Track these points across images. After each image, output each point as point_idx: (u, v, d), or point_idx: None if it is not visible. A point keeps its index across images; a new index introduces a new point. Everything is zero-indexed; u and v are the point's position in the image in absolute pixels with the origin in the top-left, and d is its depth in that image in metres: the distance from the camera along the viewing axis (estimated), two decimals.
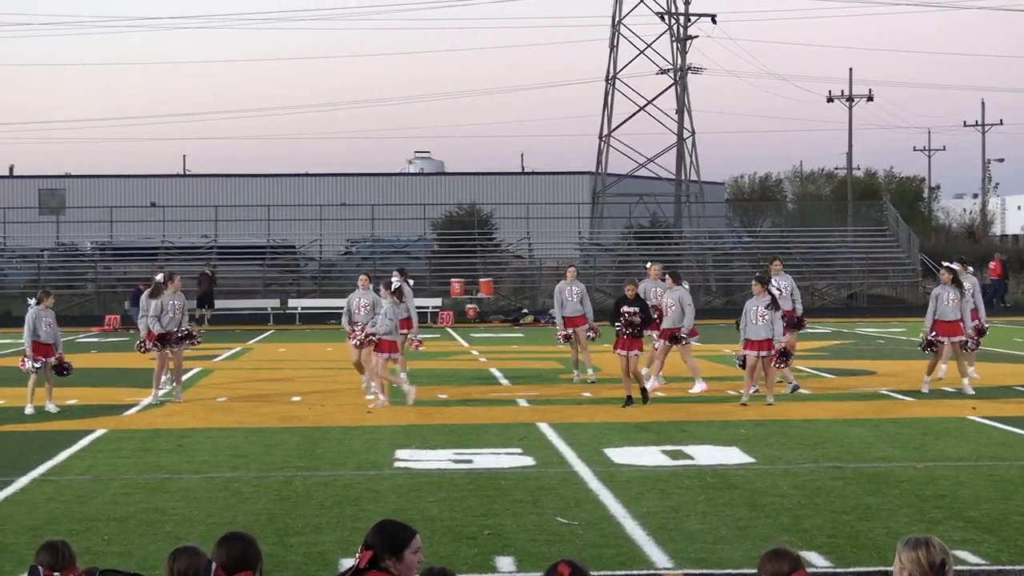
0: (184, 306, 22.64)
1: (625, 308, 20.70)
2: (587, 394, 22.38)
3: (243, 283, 59.05)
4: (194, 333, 22.86)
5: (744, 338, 21.09)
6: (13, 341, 39.94)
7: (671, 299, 22.67)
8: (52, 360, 21.00)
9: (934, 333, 22.57)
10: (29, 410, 20.50)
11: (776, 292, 21.79)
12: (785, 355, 21.63)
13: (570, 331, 24.35)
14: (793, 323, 23.49)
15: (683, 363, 23.25)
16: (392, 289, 21.57)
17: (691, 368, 22.86)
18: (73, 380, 22.28)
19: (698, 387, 22.47)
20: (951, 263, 23.64)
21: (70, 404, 21.69)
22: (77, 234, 64.86)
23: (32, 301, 21.26)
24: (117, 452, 16.51)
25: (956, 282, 22.73)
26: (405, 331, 22.41)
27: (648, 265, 25.64)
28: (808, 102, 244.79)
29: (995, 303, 53.13)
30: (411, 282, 23.50)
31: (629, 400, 20.51)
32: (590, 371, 24.55)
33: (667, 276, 23.43)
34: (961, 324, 22.50)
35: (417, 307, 24.04)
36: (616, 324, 20.65)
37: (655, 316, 22.09)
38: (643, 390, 20.84)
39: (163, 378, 22.46)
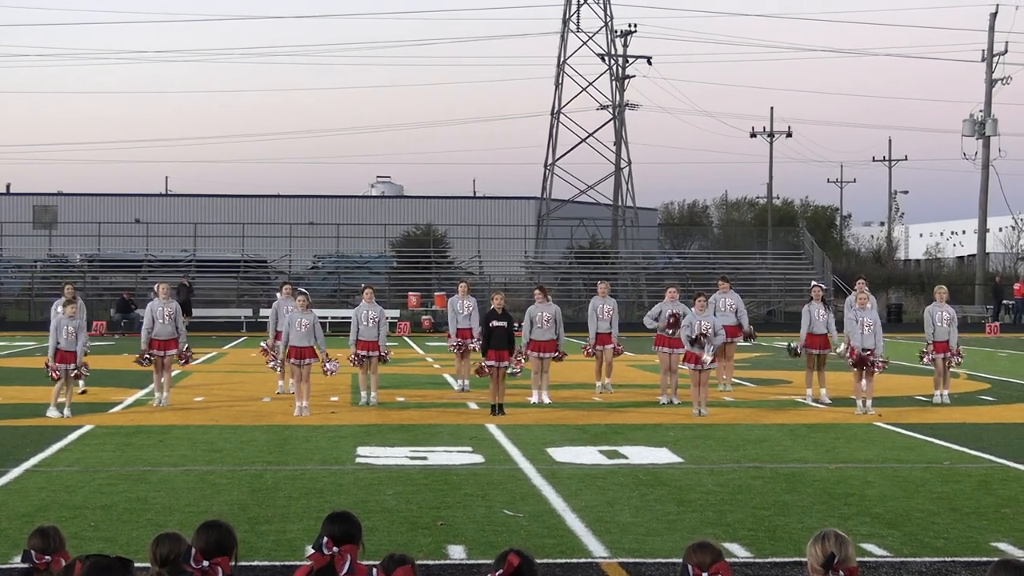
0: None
1: (495, 322, 20.63)
2: (531, 399, 22.31)
3: (219, 294, 58.90)
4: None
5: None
6: (7, 344, 39.66)
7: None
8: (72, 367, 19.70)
9: (804, 346, 22.54)
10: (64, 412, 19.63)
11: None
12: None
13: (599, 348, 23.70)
14: (747, 334, 25.20)
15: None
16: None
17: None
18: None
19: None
20: (861, 280, 23.56)
21: (59, 402, 21.45)
22: (68, 247, 64.42)
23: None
24: (103, 446, 16.39)
25: (824, 300, 22.99)
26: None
27: (599, 283, 24.95)
28: (733, 137, 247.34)
29: (1017, 321, 57.75)
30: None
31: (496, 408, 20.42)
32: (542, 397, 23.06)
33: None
34: (829, 337, 22.40)
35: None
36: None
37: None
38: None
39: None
